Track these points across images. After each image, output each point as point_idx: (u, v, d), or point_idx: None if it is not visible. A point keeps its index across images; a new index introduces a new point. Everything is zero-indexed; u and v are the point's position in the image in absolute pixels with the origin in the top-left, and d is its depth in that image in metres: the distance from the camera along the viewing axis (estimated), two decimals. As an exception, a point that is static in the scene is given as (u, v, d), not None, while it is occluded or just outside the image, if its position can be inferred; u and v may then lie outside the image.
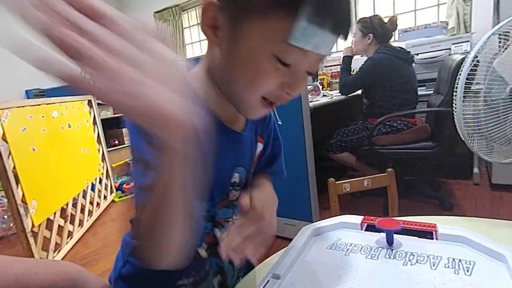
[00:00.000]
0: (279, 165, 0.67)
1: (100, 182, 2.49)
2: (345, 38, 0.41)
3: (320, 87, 2.29)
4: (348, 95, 2.14)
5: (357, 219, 0.60)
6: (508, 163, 0.91)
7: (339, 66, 2.19)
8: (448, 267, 0.46)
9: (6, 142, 1.50)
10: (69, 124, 2.09)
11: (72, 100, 2.20)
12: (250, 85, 0.42)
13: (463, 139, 0.93)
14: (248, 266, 0.65)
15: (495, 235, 0.50)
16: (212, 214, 0.53)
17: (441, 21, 2.54)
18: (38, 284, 0.50)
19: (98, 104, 2.61)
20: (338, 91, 2.19)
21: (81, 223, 2.10)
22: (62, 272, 0.44)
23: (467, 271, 0.45)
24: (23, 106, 1.69)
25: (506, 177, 1.99)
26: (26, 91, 3.63)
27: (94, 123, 2.53)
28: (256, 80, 0.42)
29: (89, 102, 2.49)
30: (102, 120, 2.68)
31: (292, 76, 0.42)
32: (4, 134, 1.49)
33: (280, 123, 0.65)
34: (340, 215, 0.64)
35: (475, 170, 2.18)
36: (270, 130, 0.62)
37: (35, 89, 3.57)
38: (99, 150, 2.52)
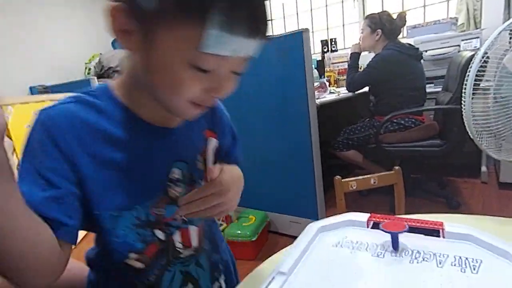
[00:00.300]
0: (235, 157, 0.66)
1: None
2: (264, 39, 0.40)
3: (327, 84, 2.28)
4: (355, 92, 2.12)
5: (363, 216, 0.60)
6: (516, 161, 0.89)
7: (346, 63, 2.17)
8: (454, 265, 0.46)
9: (10, 138, 1.52)
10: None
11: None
12: (171, 92, 0.42)
13: (471, 137, 0.91)
14: (228, 267, 0.65)
15: (503, 234, 0.50)
16: (144, 218, 0.49)
17: (450, 17, 2.51)
18: None
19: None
20: (345, 88, 2.18)
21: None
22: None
23: (474, 269, 0.44)
24: (27, 103, 1.70)
25: (515, 176, 1.96)
26: (30, 87, 3.65)
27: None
28: (177, 88, 0.41)
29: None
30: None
31: (215, 80, 0.41)
32: (8, 130, 1.52)
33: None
34: (347, 212, 0.64)
35: (483, 168, 2.15)
36: (223, 124, 0.61)
37: (39, 86, 3.59)
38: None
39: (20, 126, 1.60)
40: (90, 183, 0.44)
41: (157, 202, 0.50)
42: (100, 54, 3.38)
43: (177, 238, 0.54)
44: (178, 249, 0.54)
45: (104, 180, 0.45)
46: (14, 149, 1.53)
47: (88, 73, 3.69)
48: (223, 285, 0.64)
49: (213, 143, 0.59)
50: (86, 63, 3.88)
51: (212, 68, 0.39)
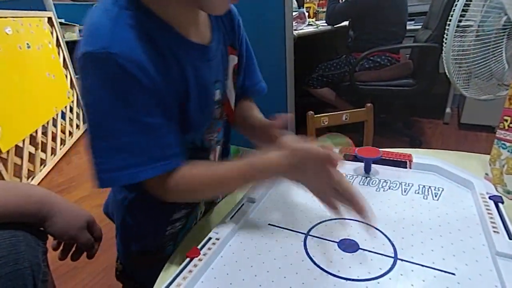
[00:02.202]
0: (257, 74, 0.63)
1: (71, 110, 2.36)
2: None
3: (306, 14, 2.13)
4: (335, 26, 2.02)
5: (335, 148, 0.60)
6: (484, 99, 0.92)
7: (327, -7, 2.01)
8: (418, 193, 0.47)
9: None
10: (27, 44, 1.86)
11: (28, 15, 1.93)
12: None
13: (447, 73, 0.91)
14: None
15: (462, 166, 0.52)
16: (199, 144, 0.49)
17: None
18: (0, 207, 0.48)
19: (61, 24, 2.31)
20: (324, 21, 2.06)
21: (53, 151, 2.04)
22: (27, 195, 0.41)
23: (435, 196, 0.46)
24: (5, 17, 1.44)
25: (474, 117, 2.08)
26: None
27: (58, 45, 2.28)
28: None
29: (49, 20, 2.20)
30: (67, 43, 2.42)
31: None
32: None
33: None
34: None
35: (447, 110, 2.25)
36: (241, 40, 0.57)
37: None
38: (66, 76, 2.32)
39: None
40: (170, 111, 0.41)
41: (209, 128, 0.49)
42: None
43: (212, 158, 0.55)
44: None
45: (172, 107, 0.42)
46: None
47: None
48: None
49: (234, 60, 0.55)
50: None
51: None
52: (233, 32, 0.53)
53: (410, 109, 2.34)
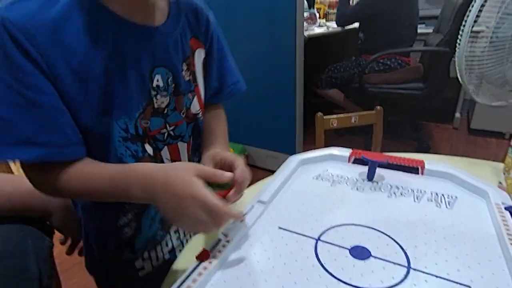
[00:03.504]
0: (233, 75, 0.60)
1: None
2: None
3: (317, 15, 2.12)
4: (345, 28, 2.01)
5: (345, 151, 0.59)
6: (496, 106, 0.90)
7: (338, -6, 2.00)
8: (431, 200, 0.47)
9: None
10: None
11: None
12: None
13: (460, 78, 0.90)
14: None
15: (473, 173, 0.51)
16: (133, 131, 0.45)
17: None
18: None
19: None
20: (334, 22, 2.04)
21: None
22: (33, 189, 0.41)
23: (449, 204, 0.45)
24: None
25: (484, 123, 2.05)
26: None
27: None
28: None
29: None
30: None
31: None
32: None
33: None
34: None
35: (457, 114, 2.23)
36: (210, 35, 0.54)
37: None
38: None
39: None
40: (73, 93, 0.39)
41: (143, 113, 0.45)
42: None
43: (165, 154, 0.50)
44: None
45: (87, 88, 0.39)
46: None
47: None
48: None
49: (201, 54, 0.53)
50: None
51: None
52: (198, 25, 0.52)
53: (419, 112, 2.31)
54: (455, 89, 2.09)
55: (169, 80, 0.47)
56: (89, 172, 0.41)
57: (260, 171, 1.83)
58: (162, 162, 0.50)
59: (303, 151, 0.60)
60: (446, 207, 0.45)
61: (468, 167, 0.64)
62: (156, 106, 0.47)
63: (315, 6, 2.60)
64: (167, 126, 0.49)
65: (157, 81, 0.46)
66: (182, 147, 0.53)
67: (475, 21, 0.88)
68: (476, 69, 0.86)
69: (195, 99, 0.53)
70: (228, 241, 0.39)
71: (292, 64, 1.51)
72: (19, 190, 0.49)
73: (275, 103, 1.66)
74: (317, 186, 0.52)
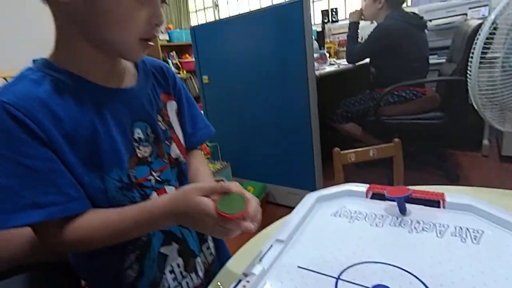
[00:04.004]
0: (202, 119, 0.68)
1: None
2: None
3: (327, 55, 2.21)
4: (356, 64, 2.06)
5: (362, 187, 0.59)
6: (521, 133, 0.87)
7: (346, 34, 2.09)
8: (455, 235, 0.45)
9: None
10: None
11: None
12: (121, 28, 0.44)
13: (476, 108, 0.89)
14: None
15: (503, 205, 0.49)
16: (127, 180, 0.50)
17: (458, -16, 2.38)
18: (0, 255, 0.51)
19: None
20: (345, 59, 2.11)
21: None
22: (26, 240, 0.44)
23: (475, 239, 0.44)
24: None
25: (516, 149, 1.96)
26: (33, 60, 3.60)
27: None
28: (125, 20, 0.43)
29: None
30: None
31: (152, 6, 0.45)
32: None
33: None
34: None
35: (485, 141, 2.14)
36: (178, 88, 0.63)
37: (41, 59, 3.54)
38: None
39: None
40: (68, 155, 0.44)
41: (128, 163, 0.50)
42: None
43: (154, 198, 0.54)
44: None
45: (78, 149, 0.45)
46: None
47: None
48: (211, 246, 0.65)
49: (173, 105, 0.61)
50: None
51: None
52: (166, 82, 0.61)
53: (442, 141, 2.25)
54: (479, 116, 2.04)
55: (148, 131, 0.54)
56: (104, 219, 0.46)
57: (281, 208, 1.81)
58: None
59: (323, 186, 0.61)
60: (472, 242, 0.43)
61: (500, 198, 0.61)
62: (140, 155, 0.52)
63: (326, 45, 2.72)
64: (153, 172, 0.54)
65: (138, 133, 0.52)
66: (170, 190, 0.57)
67: (487, 48, 0.90)
68: (491, 97, 0.85)
69: (173, 145, 0.59)
70: (248, 282, 0.39)
71: (306, 103, 1.55)
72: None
73: (293, 141, 1.69)
74: (335, 223, 0.51)
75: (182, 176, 0.61)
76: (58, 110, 0.43)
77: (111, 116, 0.49)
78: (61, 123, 0.43)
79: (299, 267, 0.42)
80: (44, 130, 0.42)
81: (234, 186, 0.44)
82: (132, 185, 0.50)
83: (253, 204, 0.43)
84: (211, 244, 0.65)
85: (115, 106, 0.49)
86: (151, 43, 0.48)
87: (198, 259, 0.60)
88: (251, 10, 1.67)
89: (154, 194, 0.54)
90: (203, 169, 0.65)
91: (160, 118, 0.56)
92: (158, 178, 0.54)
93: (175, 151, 0.59)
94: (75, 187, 0.44)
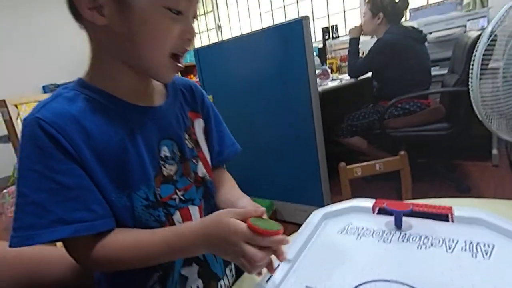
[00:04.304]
0: (229, 137, 0.68)
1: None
2: None
3: (329, 71, 2.24)
4: (358, 78, 2.09)
5: (368, 202, 0.59)
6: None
7: (347, 50, 2.12)
8: (465, 250, 0.44)
9: (23, 137, 1.55)
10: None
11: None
12: (156, 44, 0.46)
13: (480, 118, 0.89)
14: None
15: (515, 217, 0.48)
16: (153, 198, 0.50)
17: (455, -3, 2.43)
18: (51, 276, 0.51)
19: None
20: (347, 74, 2.14)
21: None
22: (72, 263, 0.44)
23: (486, 254, 0.43)
24: (40, 101, 1.73)
25: (527, 157, 1.92)
26: (43, 86, 3.73)
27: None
28: (160, 36, 0.45)
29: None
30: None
31: (185, 21, 0.47)
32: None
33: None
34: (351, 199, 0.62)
35: (494, 151, 2.11)
36: (206, 106, 0.64)
37: (51, 84, 3.67)
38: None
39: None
40: (97, 172, 0.45)
41: (156, 181, 0.50)
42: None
43: (177, 218, 0.53)
44: None
45: (108, 166, 0.46)
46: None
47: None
48: (233, 267, 0.64)
49: (200, 123, 0.61)
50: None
51: (183, 8, 0.45)
52: (194, 100, 0.61)
53: (451, 152, 2.22)
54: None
55: (174, 149, 0.54)
56: (134, 240, 0.45)
57: (290, 226, 1.79)
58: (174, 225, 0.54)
59: (331, 202, 0.60)
60: (483, 257, 0.42)
61: (511, 210, 0.60)
62: (165, 174, 0.52)
63: (327, 61, 2.76)
64: (177, 191, 0.54)
65: (164, 151, 0.52)
66: (194, 210, 0.56)
67: (489, 59, 0.91)
68: (495, 107, 0.85)
69: (200, 163, 0.58)
70: (255, 305, 0.38)
71: (310, 119, 1.56)
72: (59, 264, 0.52)
73: (299, 158, 1.69)
74: (343, 240, 0.51)
75: (208, 195, 0.60)
76: (90, 128, 0.45)
77: (141, 134, 0.49)
78: (92, 141, 0.44)
79: (307, 286, 0.42)
80: (76, 147, 0.43)
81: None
82: (157, 203, 0.50)
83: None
84: (233, 265, 0.64)
85: (145, 124, 0.50)
86: (181, 65, 0.50)
87: (221, 282, 0.59)
88: (253, 30, 1.71)
89: (177, 213, 0.53)
90: (235, 187, 0.63)
91: (187, 136, 0.57)
92: (182, 197, 0.54)
93: (201, 170, 0.58)
94: (102, 205, 0.45)
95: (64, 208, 0.41)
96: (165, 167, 0.52)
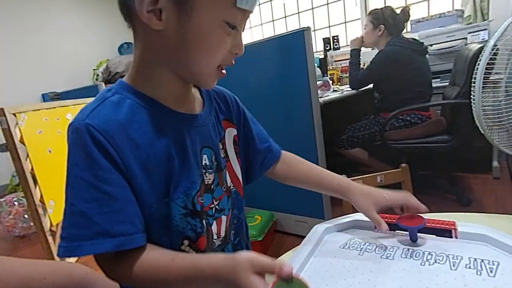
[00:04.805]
0: (272, 143, 0.68)
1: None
2: None
3: (330, 82, 2.25)
4: (359, 90, 2.09)
5: (371, 217, 0.58)
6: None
7: (348, 61, 2.14)
8: (469, 267, 0.43)
9: (24, 144, 1.54)
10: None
11: (85, 102, 2.24)
12: (208, 55, 0.45)
13: (482, 131, 0.89)
14: None
15: (520, 233, 0.47)
16: (191, 207, 0.48)
17: (456, 9, 2.46)
18: None
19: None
20: (348, 85, 2.15)
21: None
22: (70, 275, 0.43)
23: (491, 272, 0.42)
24: (38, 109, 1.72)
25: (528, 170, 1.91)
26: (42, 94, 3.75)
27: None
28: (214, 49, 0.45)
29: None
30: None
31: (237, 37, 0.46)
32: (21, 137, 1.53)
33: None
34: (353, 212, 0.61)
35: (495, 163, 2.10)
36: (240, 114, 0.62)
37: (50, 93, 3.68)
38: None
39: (33, 132, 1.62)
40: (142, 182, 0.44)
41: (199, 191, 0.49)
42: (107, 60, 3.42)
43: (214, 229, 0.53)
44: (213, 240, 0.54)
45: (152, 175, 0.45)
46: (28, 155, 1.55)
47: (96, 79, 3.75)
48: None
49: (231, 133, 0.60)
50: (94, 70, 3.95)
51: (239, 24, 0.45)
52: (228, 108, 0.60)
53: (452, 164, 2.21)
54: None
55: (212, 158, 0.53)
56: (159, 264, 0.42)
57: (290, 237, 1.77)
58: (212, 236, 0.53)
59: (332, 214, 0.60)
60: (488, 275, 0.41)
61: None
62: (206, 183, 0.51)
63: (328, 72, 2.78)
64: (214, 201, 0.53)
65: (205, 160, 0.52)
66: (224, 220, 0.55)
67: (490, 71, 0.91)
68: (496, 120, 0.85)
69: (227, 173, 0.57)
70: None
71: (311, 130, 1.56)
72: (54, 275, 0.51)
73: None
74: (345, 255, 0.50)
75: (233, 206, 0.58)
76: (137, 136, 0.44)
77: (187, 142, 0.48)
78: (139, 149, 0.43)
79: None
80: (123, 156, 0.42)
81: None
82: (195, 212, 0.49)
83: None
84: None
85: (190, 132, 0.50)
86: (224, 71, 0.50)
87: None
88: (254, 41, 1.72)
89: (214, 223, 0.53)
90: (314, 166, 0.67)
91: (220, 146, 0.56)
92: (217, 207, 0.54)
93: (229, 180, 0.57)
94: (140, 218, 0.44)
95: (109, 220, 0.40)
96: (206, 176, 0.51)
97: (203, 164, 0.51)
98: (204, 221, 0.50)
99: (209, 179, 0.52)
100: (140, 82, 0.47)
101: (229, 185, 0.57)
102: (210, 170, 0.52)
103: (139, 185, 0.43)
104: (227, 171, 0.57)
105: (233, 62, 0.50)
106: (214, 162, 0.53)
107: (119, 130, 0.42)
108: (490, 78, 0.92)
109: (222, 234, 0.55)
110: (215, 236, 0.53)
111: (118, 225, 0.40)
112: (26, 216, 2.22)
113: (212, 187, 0.53)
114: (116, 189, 0.41)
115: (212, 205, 0.52)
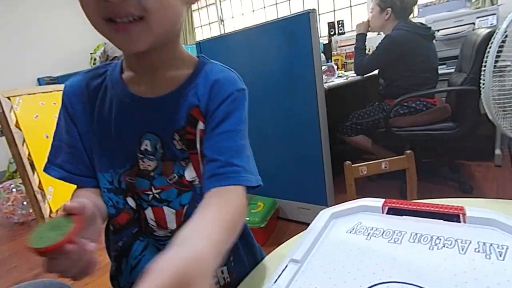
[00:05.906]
0: (218, 173, 0.48)
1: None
2: None
3: (335, 67, 2.22)
4: (364, 76, 2.06)
5: (377, 202, 0.58)
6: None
7: (353, 46, 2.10)
8: (478, 251, 0.43)
9: (20, 129, 1.52)
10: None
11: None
12: (83, 9, 0.43)
13: (490, 116, 0.88)
14: (237, 252, 0.60)
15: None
16: (117, 184, 0.53)
17: (464, -6, 2.39)
18: None
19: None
20: (353, 71, 2.12)
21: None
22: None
23: (500, 255, 0.42)
24: (34, 93, 1.70)
25: (531, 158, 1.91)
26: (38, 78, 3.72)
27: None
28: (83, 7, 0.43)
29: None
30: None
31: None
32: (17, 121, 1.51)
33: None
34: (357, 199, 0.61)
35: (497, 151, 2.10)
36: (218, 112, 0.51)
37: (46, 77, 3.65)
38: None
39: (29, 116, 1.61)
40: (85, 142, 0.53)
41: (129, 171, 0.52)
42: (105, 44, 3.36)
43: (149, 214, 0.54)
44: (151, 226, 0.55)
45: (90, 141, 0.53)
46: (24, 140, 1.54)
47: (94, 63, 3.69)
48: (225, 270, 0.59)
49: (199, 126, 0.51)
50: (91, 53, 3.89)
51: None
52: (210, 98, 0.51)
53: (455, 152, 2.21)
54: (490, 125, 2.00)
55: (157, 146, 0.51)
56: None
57: (293, 224, 1.78)
58: (146, 220, 0.55)
59: (335, 200, 0.60)
60: (497, 258, 0.41)
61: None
62: (141, 167, 0.52)
63: (333, 58, 2.74)
64: (152, 188, 0.53)
65: (146, 145, 0.52)
66: (170, 212, 0.53)
67: (498, 57, 0.89)
68: (505, 106, 0.84)
69: (190, 166, 0.52)
70: (263, 305, 0.38)
71: (315, 116, 1.55)
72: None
73: (302, 155, 1.68)
74: (352, 240, 0.50)
75: (194, 202, 0.53)
76: (85, 102, 0.53)
77: (125, 122, 0.51)
78: (85, 115, 0.53)
79: None
80: (75, 115, 0.54)
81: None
82: (120, 190, 0.53)
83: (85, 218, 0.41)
84: (224, 268, 0.59)
85: (134, 113, 0.51)
86: (119, 25, 0.42)
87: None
88: (257, 24, 1.67)
89: (150, 210, 0.54)
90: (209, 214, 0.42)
91: (177, 137, 0.51)
92: (157, 196, 0.53)
93: (191, 173, 0.53)
94: (87, 166, 0.54)
95: (64, 158, 0.53)
96: (142, 161, 0.52)
97: (143, 149, 0.51)
98: (132, 200, 0.54)
99: (148, 165, 0.52)
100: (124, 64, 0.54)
101: (189, 179, 0.53)
102: (152, 157, 0.51)
103: (85, 146, 0.54)
104: (189, 164, 0.52)
105: (120, 12, 0.40)
106: (160, 151, 0.51)
107: (77, 93, 0.54)
108: (498, 64, 0.90)
109: (172, 227, 0.54)
110: (152, 223, 0.55)
111: (67, 164, 0.53)
112: (25, 203, 2.23)
113: (152, 174, 0.52)
114: (72, 139, 0.53)
115: (149, 192, 0.53)
